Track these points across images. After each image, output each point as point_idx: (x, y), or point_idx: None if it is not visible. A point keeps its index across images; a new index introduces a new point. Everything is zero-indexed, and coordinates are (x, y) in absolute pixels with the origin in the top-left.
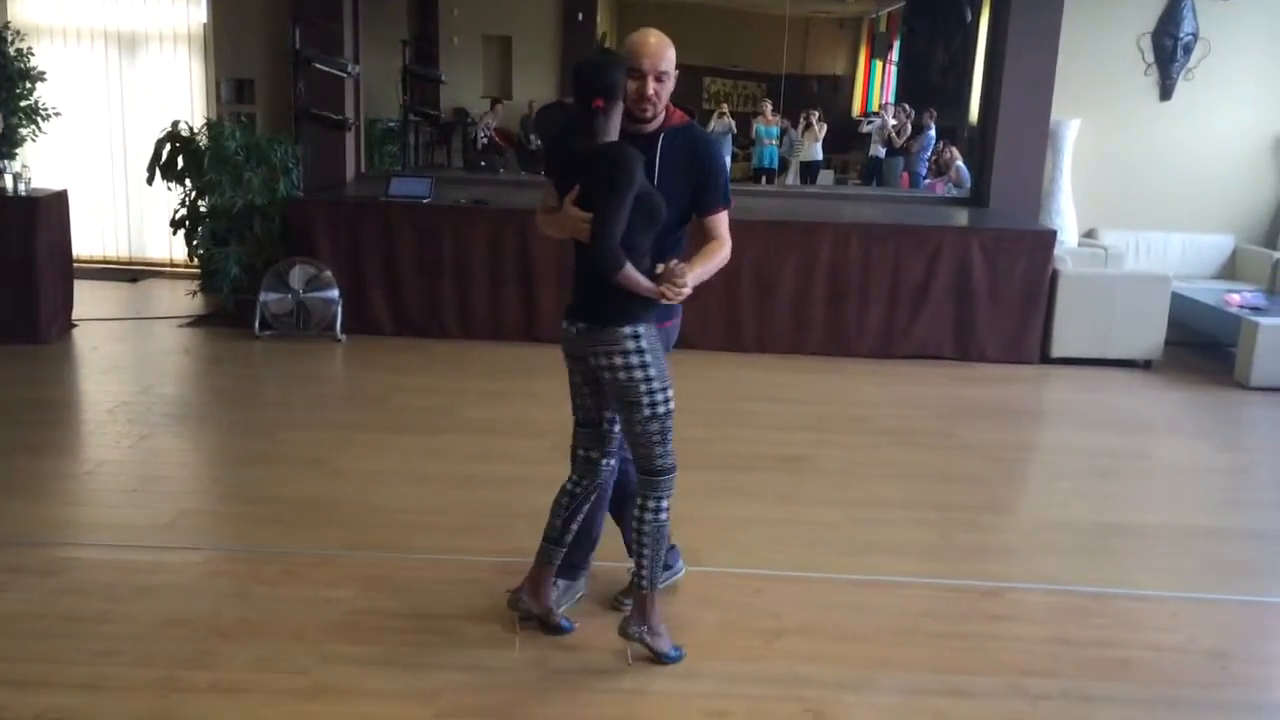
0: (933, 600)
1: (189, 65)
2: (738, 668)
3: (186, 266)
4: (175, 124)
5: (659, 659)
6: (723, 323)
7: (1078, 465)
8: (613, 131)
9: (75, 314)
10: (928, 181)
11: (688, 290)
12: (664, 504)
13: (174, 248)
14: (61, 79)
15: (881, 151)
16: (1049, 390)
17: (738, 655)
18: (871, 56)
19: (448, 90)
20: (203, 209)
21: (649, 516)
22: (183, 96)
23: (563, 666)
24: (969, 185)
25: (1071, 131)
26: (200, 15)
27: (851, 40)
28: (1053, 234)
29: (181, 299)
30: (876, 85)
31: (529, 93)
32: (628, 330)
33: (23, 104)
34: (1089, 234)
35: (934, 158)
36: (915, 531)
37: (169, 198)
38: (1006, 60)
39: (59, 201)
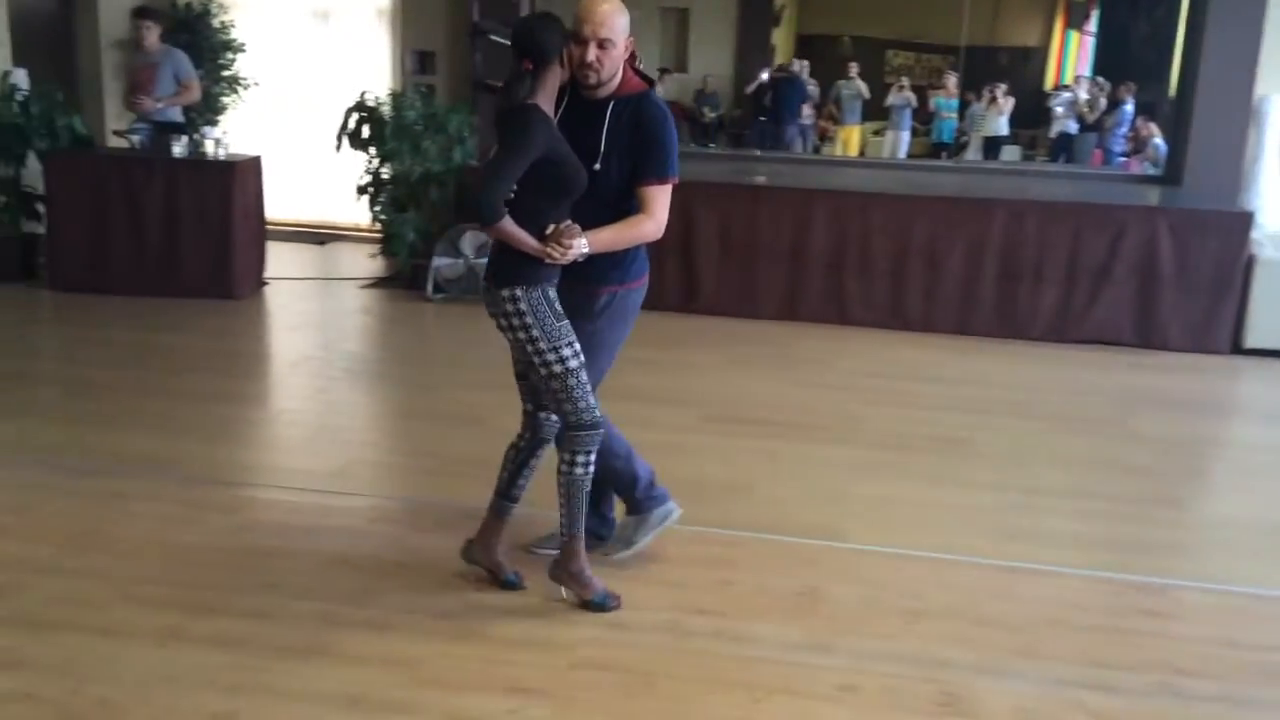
0: (1086, 592)
1: (378, 37)
2: (874, 645)
3: (370, 231)
4: (362, 94)
5: (587, 606)
6: (887, 300)
7: (1260, 462)
8: (540, 94)
9: (267, 273)
10: (1123, 159)
11: (576, 254)
12: (580, 459)
13: (359, 213)
14: (260, 50)
15: (1073, 127)
16: (1237, 382)
17: (875, 632)
18: (1067, 27)
19: None
20: (385, 176)
21: (564, 469)
22: (372, 67)
23: (696, 629)
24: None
25: (1277, 108)
26: None
27: (1046, 10)
28: (1249, 216)
29: (364, 261)
30: (1071, 57)
31: (705, 66)
32: (505, 293)
33: (224, 74)
34: None
35: (1131, 134)
36: (1074, 521)
37: (356, 165)
38: (1207, 31)
39: (254, 166)
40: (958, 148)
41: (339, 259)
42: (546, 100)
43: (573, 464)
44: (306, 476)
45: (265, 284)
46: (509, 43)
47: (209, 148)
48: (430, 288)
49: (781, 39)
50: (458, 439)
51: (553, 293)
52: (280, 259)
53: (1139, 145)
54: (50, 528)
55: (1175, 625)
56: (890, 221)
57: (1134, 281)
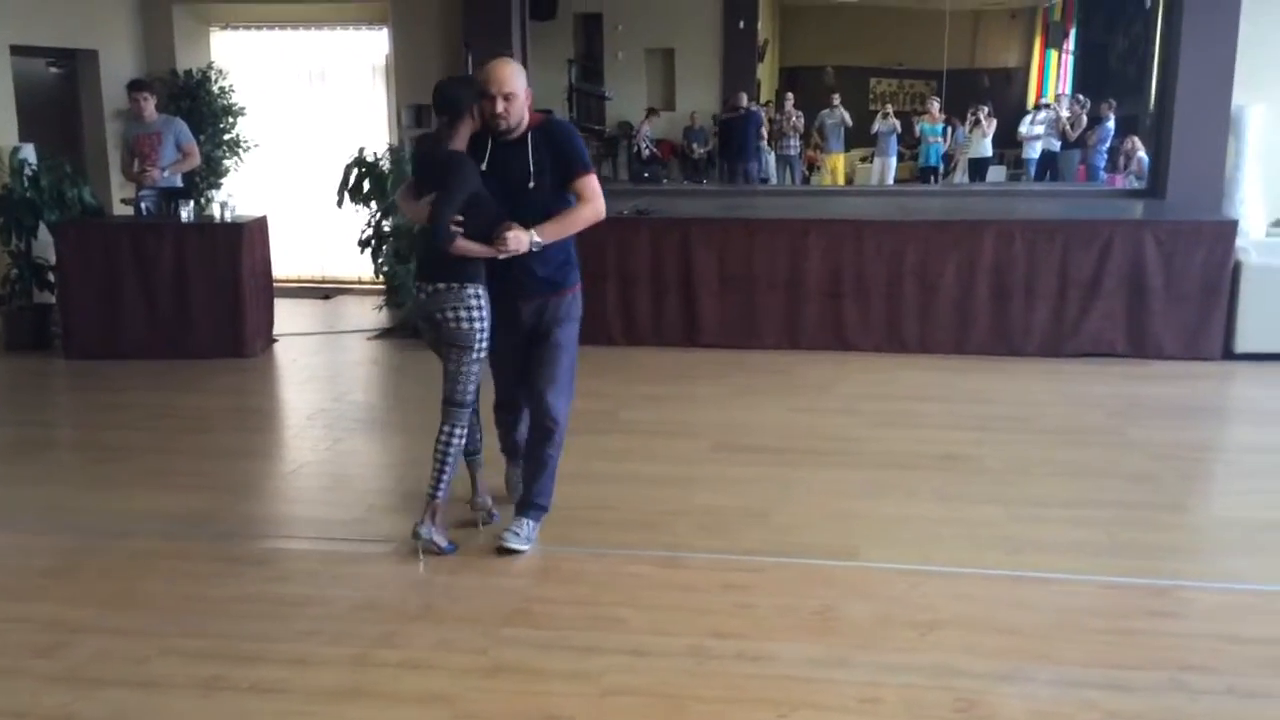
0: (1094, 597)
1: (375, 94)
2: (892, 658)
3: (373, 283)
4: (361, 150)
5: (441, 551)
6: (884, 323)
7: (1256, 463)
8: (458, 141)
9: (276, 329)
10: (1107, 175)
11: (524, 245)
12: (456, 431)
13: (362, 266)
14: (260, 112)
15: (1056, 145)
16: (1230, 386)
17: (892, 646)
18: (1047, 47)
19: (612, 104)
20: (386, 229)
21: (443, 439)
22: (369, 123)
23: (719, 652)
24: None
25: (1255, 117)
26: (384, 47)
27: (1025, 31)
28: (1233, 224)
29: (369, 313)
30: (1052, 76)
31: (692, 103)
32: (471, 289)
33: (225, 138)
34: (1278, 223)
35: (1114, 150)
36: (1079, 529)
37: (357, 219)
38: (1182, 45)
39: (260, 227)
40: (945, 171)
41: (345, 312)
42: (462, 144)
43: (450, 435)
44: (331, 526)
45: (275, 341)
46: (604, 97)
47: (216, 211)
48: None
49: (766, 73)
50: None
51: None
52: (288, 315)
53: (1124, 160)
54: (89, 589)
55: (1181, 624)
56: (883, 247)
57: (1124, 293)
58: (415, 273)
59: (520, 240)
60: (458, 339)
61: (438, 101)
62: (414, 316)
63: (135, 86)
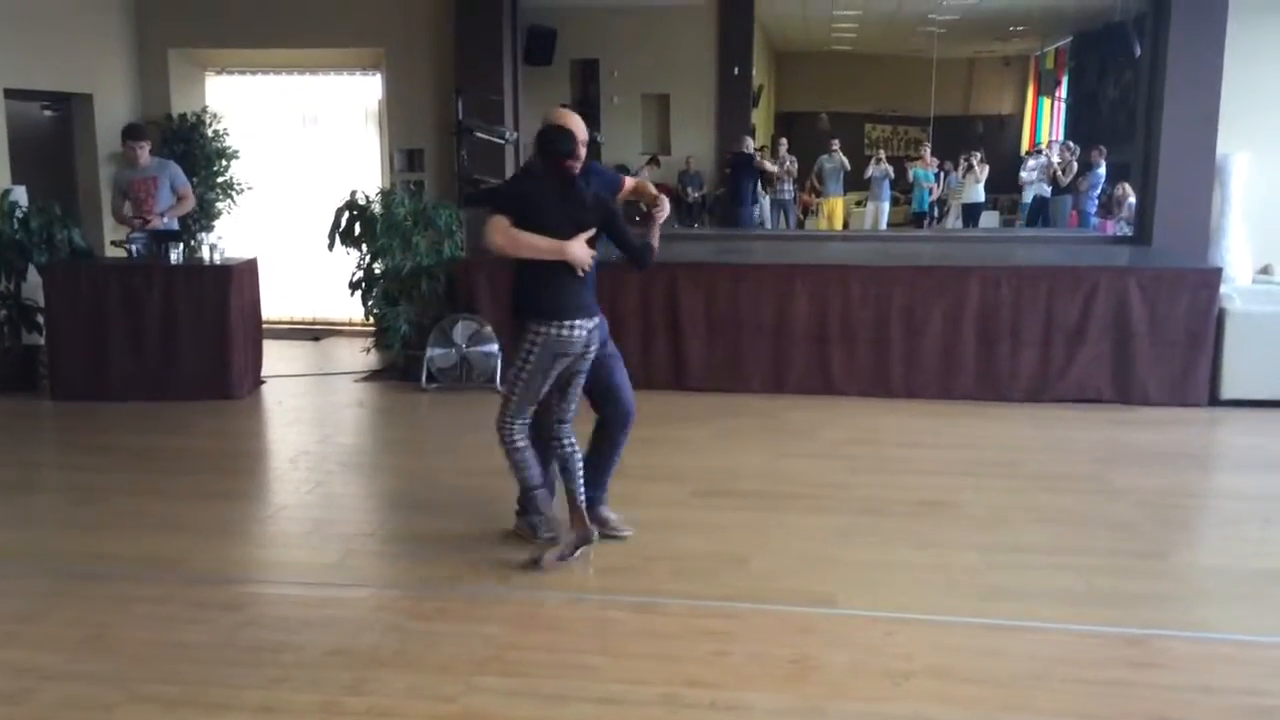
0: (1072, 646)
1: (367, 138)
2: (864, 707)
3: (363, 325)
4: (353, 193)
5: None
6: (870, 369)
7: (1238, 510)
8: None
9: (264, 371)
10: (1098, 221)
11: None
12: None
13: (352, 308)
14: (253, 155)
15: (1047, 191)
16: (1214, 433)
17: (866, 695)
18: (1039, 94)
19: (608, 148)
20: (377, 271)
21: (569, 448)
22: (361, 167)
23: (691, 700)
24: None
25: (1239, 165)
26: (377, 91)
27: (1018, 79)
28: (1217, 272)
29: (358, 355)
30: (1045, 123)
31: (688, 147)
32: (599, 318)
33: (219, 180)
34: (1264, 270)
35: (1105, 196)
36: (1058, 577)
37: (347, 262)
38: (1166, 95)
39: (250, 269)
40: (938, 215)
41: (334, 354)
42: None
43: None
44: (307, 570)
45: (263, 382)
46: (597, 140)
47: (205, 253)
48: (425, 378)
49: (761, 118)
50: (455, 524)
51: None
52: (276, 357)
53: (1116, 206)
54: (59, 634)
55: (1158, 675)
56: (869, 292)
57: (1109, 339)
58: (558, 312)
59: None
60: (586, 365)
61: (568, 149)
62: (553, 353)
63: (130, 134)
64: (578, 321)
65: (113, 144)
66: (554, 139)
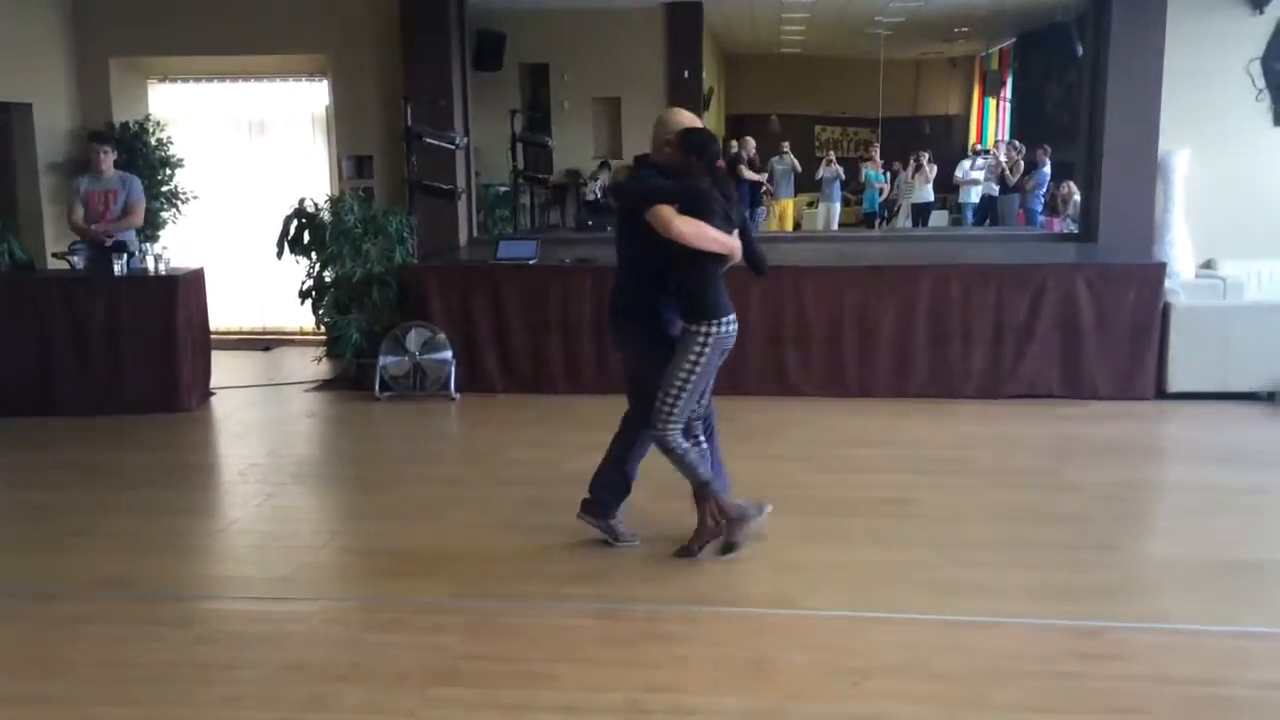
0: (1028, 640)
1: (315, 145)
2: (826, 707)
3: (314, 334)
4: (301, 201)
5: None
6: (825, 368)
7: (1187, 502)
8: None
9: (213, 382)
10: (1045, 219)
11: None
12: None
13: (303, 317)
14: (198, 163)
15: (995, 189)
16: (1161, 426)
17: (826, 695)
18: (985, 95)
19: (560, 152)
20: (327, 279)
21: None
22: (309, 174)
23: (652, 706)
24: None
25: (1181, 161)
26: (324, 98)
27: (964, 79)
28: (1161, 267)
29: (310, 365)
30: (991, 123)
31: (639, 151)
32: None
33: (163, 189)
34: (1207, 265)
35: (1051, 194)
36: (1012, 572)
37: (297, 270)
38: (1108, 93)
39: (196, 279)
40: (888, 215)
41: (285, 364)
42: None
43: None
44: (260, 584)
45: (212, 394)
46: (547, 145)
47: (150, 264)
48: (378, 386)
49: (711, 121)
50: (410, 535)
51: None
52: (226, 368)
53: (1062, 204)
54: (6, 656)
55: (1115, 666)
56: (822, 292)
57: (1058, 335)
58: (721, 309)
59: None
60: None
61: (716, 146)
62: (720, 349)
63: (98, 139)
64: (733, 317)
65: (53, 154)
66: (705, 141)
